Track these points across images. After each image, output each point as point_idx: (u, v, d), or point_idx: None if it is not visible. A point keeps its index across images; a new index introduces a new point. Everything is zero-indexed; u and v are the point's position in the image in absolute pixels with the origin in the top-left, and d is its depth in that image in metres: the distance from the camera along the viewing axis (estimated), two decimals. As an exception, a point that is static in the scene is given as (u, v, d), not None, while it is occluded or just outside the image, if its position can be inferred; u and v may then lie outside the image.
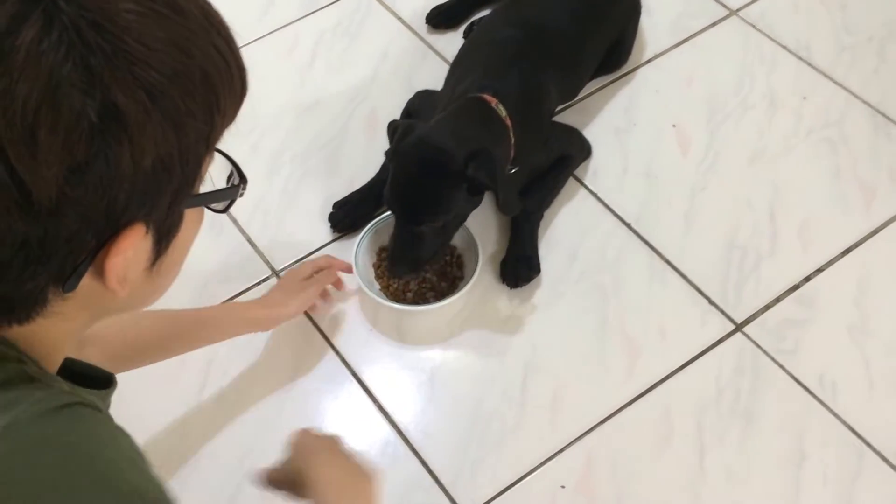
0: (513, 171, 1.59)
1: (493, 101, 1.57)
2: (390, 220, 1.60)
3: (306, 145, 1.87)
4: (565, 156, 1.75)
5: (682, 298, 1.63)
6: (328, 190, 1.77)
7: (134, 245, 0.70)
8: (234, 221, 1.75)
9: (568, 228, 1.72)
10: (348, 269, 1.61)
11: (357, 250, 1.61)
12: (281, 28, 2.09)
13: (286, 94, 1.96)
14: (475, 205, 1.55)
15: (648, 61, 2.00)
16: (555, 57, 1.73)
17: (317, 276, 1.56)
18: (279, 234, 1.74)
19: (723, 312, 1.60)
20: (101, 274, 0.71)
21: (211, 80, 0.70)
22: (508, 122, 1.57)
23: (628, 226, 1.72)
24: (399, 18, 2.09)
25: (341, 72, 2.00)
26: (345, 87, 1.96)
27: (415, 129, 1.51)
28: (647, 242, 1.70)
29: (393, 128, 1.56)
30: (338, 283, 1.62)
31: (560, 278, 1.65)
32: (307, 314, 1.60)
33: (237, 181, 0.83)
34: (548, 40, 1.72)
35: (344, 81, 1.97)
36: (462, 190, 1.48)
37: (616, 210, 1.74)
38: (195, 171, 0.73)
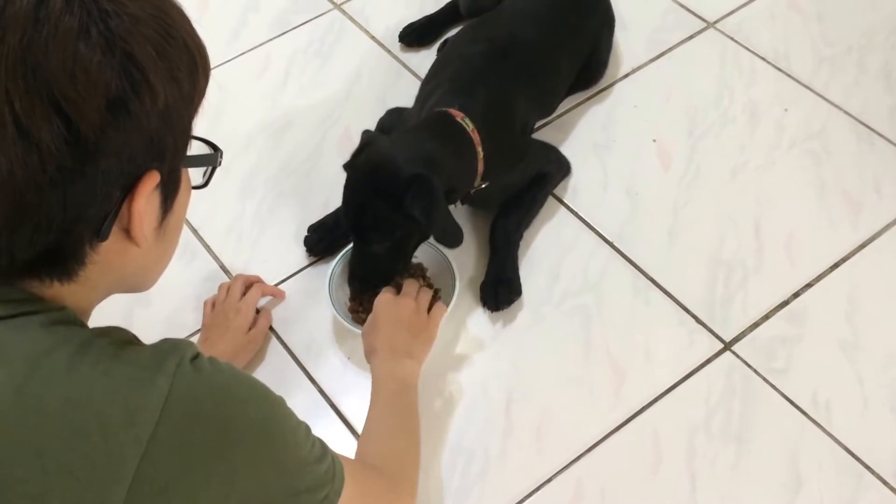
0: (483, 185, 1.54)
1: (459, 115, 1.53)
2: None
3: (279, 167, 1.82)
4: (543, 174, 1.70)
5: (668, 317, 1.58)
6: (303, 213, 1.72)
7: (150, 190, 0.82)
8: (207, 247, 1.69)
9: (548, 248, 1.67)
10: (278, 294, 1.58)
11: (331, 276, 1.56)
12: (253, 49, 2.05)
13: (258, 115, 1.92)
14: (421, 228, 1.47)
15: (626, 76, 1.96)
16: (525, 71, 1.69)
17: (249, 296, 1.54)
18: (253, 258, 1.68)
19: (710, 331, 1.56)
20: (125, 227, 0.83)
21: (190, 49, 0.82)
22: (476, 136, 1.52)
23: (610, 244, 1.67)
24: (372, 37, 2.05)
25: (314, 92, 1.95)
26: (318, 108, 1.92)
27: (374, 142, 1.48)
28: (629, 260, 1.65)
29: (365, 138, 1.51)
30: (277, 293, 1.60)
31: (542, 300, 1.60)
32: (282, 342, 1.55)
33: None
34: (518, 55, 1.69)
35: (317, 102, 1.93)
36: (402, 215, 1.42)
37: (597, 228, 1.70)
38: (188, 129, 0.86)
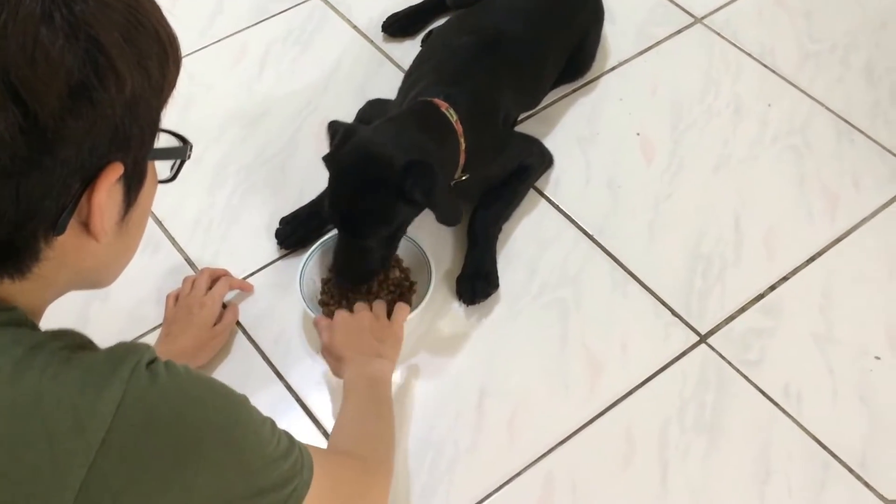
0: (463, 178, 1.54)
1: (444, 106, 1.53)
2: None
3: (252, 157, 1.80)
4: (524, 166, 1.71)
5: (645, 311, 1.58)
6: (275, 205, 1.71)
7: (113, 182, 0.78)
8: (172, 239, 1.68)
9: (528, 241, 1.67)
10: (246, 288, 1.58)
11: (303, 270, 1.54)
12: (229, 36, 2.04)
13: (232, 104, 1.90)
14: (418, 212, 1.49)
15: (612, 69, 1.96)
16: (512, 63, 1.69)
17: (215, 290, 1.52)
18: (221, 251, 1.67)
19: (686, 324, 1.56)
20: (84, 220, 0.79)
21: (161, 38, 0.80)
22: (459, 127, 1.52)
23: (591, 237, 1.68)
24: (354, 27, 2.05)
25: (291, 81, 1.95)
26: (295, 98, 1.91)
27: (355, 132, 1.46)
28: (609, 254, 1.65)
29: (333, 129, 1.50)
30: (245, 287, 1.59)
31: (519, 293, 1.60)
32: (250, 338, 1.55)
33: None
34: (504, 47, 1.69)
35: (294, 91, 1.92)
36: (400, 202, 1.43)
37: (578, 221, 1.70)
38: (156, 120, 0.83)
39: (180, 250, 1.67)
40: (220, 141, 1.84)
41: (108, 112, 0.75)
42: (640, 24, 2.05)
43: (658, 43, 2.01)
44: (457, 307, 1.59)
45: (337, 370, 1.41)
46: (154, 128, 0.83)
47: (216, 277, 1.55)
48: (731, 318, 1.56)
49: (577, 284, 1.62)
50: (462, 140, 1.53)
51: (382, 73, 1.95)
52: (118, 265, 0.91)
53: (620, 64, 1.97)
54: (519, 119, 1.82)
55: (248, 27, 2.06)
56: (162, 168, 0.91)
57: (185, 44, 0.85)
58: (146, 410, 0.77)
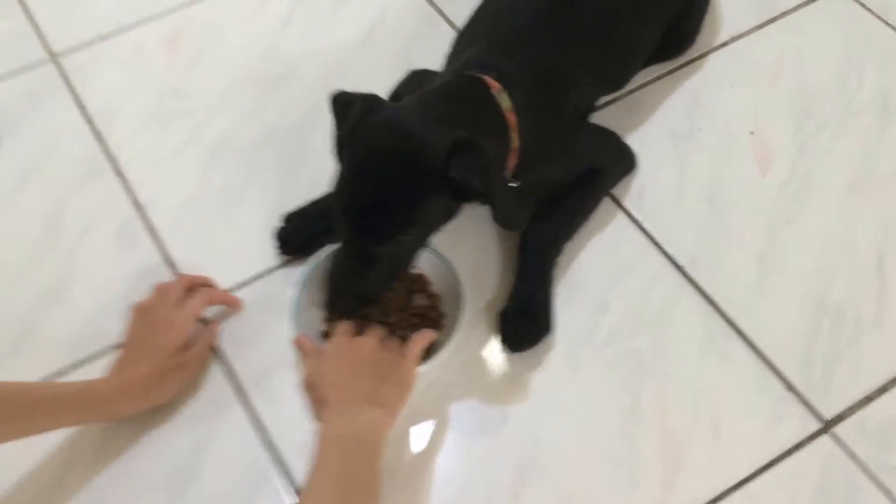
0: (514, 185, 1.14)
1: (496, 87, 1.15)
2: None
3: (261, 132, 1.45)
4: (596, 169, 1.31)
5: (750, 379, 1.20)
6: (281, 194, 1.35)
7: None
8: (152, 230, 1.33)
9: (596, 269, 1.29)
10: (231, 304, 1.24)
11: (302, 286, 1.18)
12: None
13: (245, 64, 1.55)
14: (451, 216, 1.12)
15: (722, 46, 1.55)
16: (591, 33, 1.29)
17: (190, 305, 1.19)
18: (209, 251, 1.32)
19: (805, 403, 1.17)
20: None
21: None
22: (512, 118, 1.14)
23: (681, 269, 1.28)
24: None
25: (322, 37, 1.58)
26: (323, 57, 1.55)
27: (381, 106, 1.10)
28: (704, 294, 1.26)
29: (342, 102, 1.12)
30: (230, 302, 1.24)
31: (579, 340, 1.22)
32: (228, 371, 1.20)
33: None
34: (583, 10, 1.29)
35: (320, 51, 1.56)
36: (441, 195, 1.06)
37: (665, 247, 1.31)
38: None
39: (160, 246, 1.32)
40: (225, 109, 1.49)
41: None
42: (760, -11, 1.63)
43: (783, 14, 1.61)
44: (496, 352, 1.22)
45: (318, 413, 1.06)
46: None
47: (194, 287, 1.22)
48: (868, 400, 1.18)
49: (659, 333, 1.23)
50: (515, 136, 1.14)
51: (433, 33, 1.57)
52: None
53: (733, 40, 1.57)
54: (597, 105, 1.41)
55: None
56: None
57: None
58: None
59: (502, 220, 1.11)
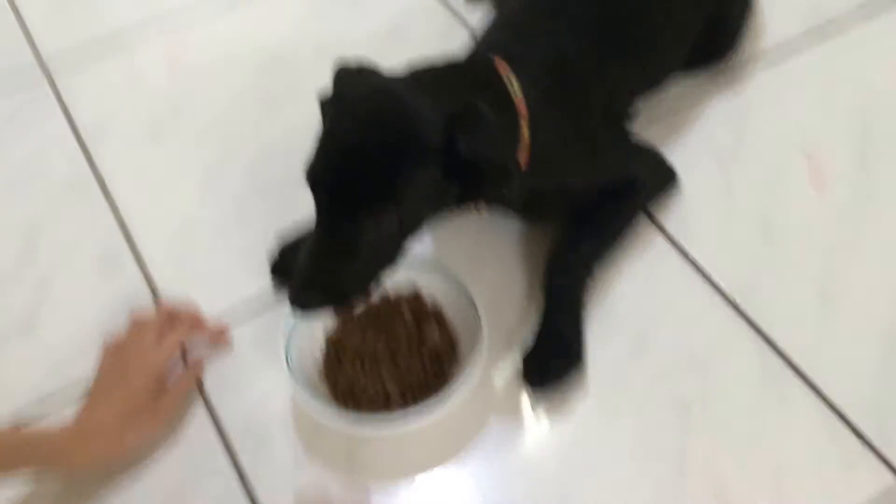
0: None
1: (504, 69, 1.01)
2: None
3: (262, 151, 1.30)
4: (631, 183, 1.16)
5: (814, 427, 1.03)
6: (285, 216, 1.20)
7: None
8: (137, 255, 1.19)
9: (634, 298, 1.13)
10: (219, 339, 1.09)
11: (293, 327, 1.03)
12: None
13: (247, 81, 1.41)
14: (443, 203, 0.96)
15: (770, 62, 1.40)
16: (617, 21, 1.15)
17: (169, 338, 1.04)
18: (198, 281, 1.17)
19: (880, 456, 1.00)
20: None
21: None
22: (523, 107, 0.99)
23: (731, 302, 1.13)
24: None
25: (331, 50, 1.41)
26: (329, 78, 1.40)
27: (375, 74, 0.97)
28: (759, 331, 1.10)
29: (342, 75, 0.98)
30: (219, 337, 1.09)
31: (617, 379, 1.06)
32: (212, 415, 1.04)
33: None
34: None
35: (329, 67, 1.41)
36: (432, 169, 0.90)
37: (712, 275, 1.15)
38: None
39: (145, 272, 1.18)
40: (226, 127, 1.35)
41: None
42: (813, 4, 1.48)
43: (837, 29, 1.45)
44: (518, 393, 1.06)
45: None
46: None
47: (176, 318, 1.07)
48: (957, 454, 1.00)
49: (707, 373, 1.07)
50: (524, 126, 0.99)
51: (452, 40, 1.42)
52: None
53: (781, 55, 1.42)
54: (629, 111, 1.27)
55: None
56: None
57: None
58: None
59: (517, 202, 0.98)
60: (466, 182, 0.91)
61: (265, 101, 1.37)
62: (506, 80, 0.99)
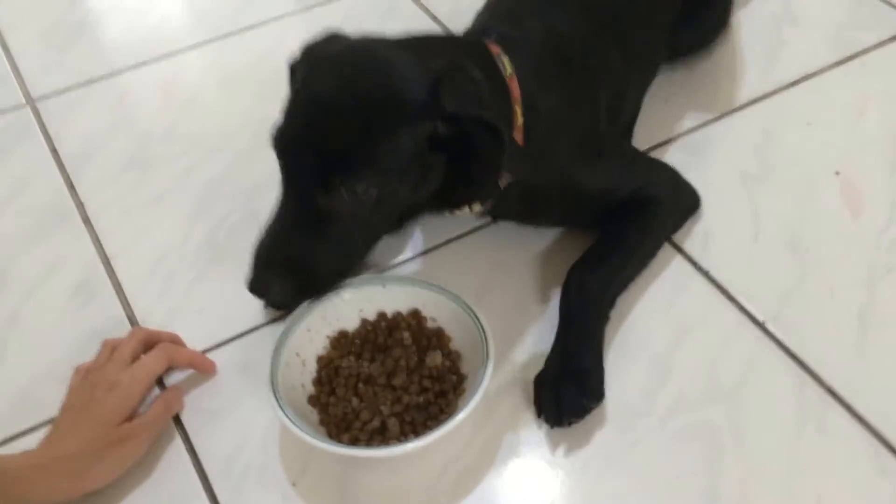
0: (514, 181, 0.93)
1: (496, 50, 0.94)
2: (347, 297, 0.95)
3: (258, 177, 1.23)
4: (649, 198, 1.08)
5: (857, 455, 0.93)
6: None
7: None
8: (116, 283, 1.11)
9: (657, 324, 1.04)
10: (202, 367, 0.99)
11: (280, 348, 0.94)
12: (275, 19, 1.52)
13: (239, 109, 1.35)
14: (428, 180, 0.87)
15: (794, 84, 1.34)
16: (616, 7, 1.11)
17: (142, 363, 0.94)
18: (180, 310, 1.08)
19: None
20: None
21: None
22: (515, 87, 0.92)
23: (761, 326, 1.03)
24: (433, 17, 1.49)
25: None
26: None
27: (348, 38, 0.90)
28: (793, 356, 1.00)
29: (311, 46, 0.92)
30: (201, 366, 1.00)
31: (638, 410, 0.97)
32: (190, 449, 0.94)
33: None
34: None
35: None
36: (415, 134, 0.82)
37: (740, 299, 1.06)
38: None
39: (123, 301, 1.10)
40: (220, 151, 1.30)
41: None
42: (838, 26, 1.42)
43: (864, 52, 1.38)
44: (531, 427, 0.96)
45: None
46: None
47: (153, 343, 0.98)
48: None
49: (737, 401, 0.97)
50: (518, 110, 0.91)
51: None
52: None
53: (806, 77, 1.35)
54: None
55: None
56: None
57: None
58: None
59: (514, 201, 0.93)
60: (453, 159, 0.83)
61: (256, 134, 1.30)
62: (497, 60, 0.92)
